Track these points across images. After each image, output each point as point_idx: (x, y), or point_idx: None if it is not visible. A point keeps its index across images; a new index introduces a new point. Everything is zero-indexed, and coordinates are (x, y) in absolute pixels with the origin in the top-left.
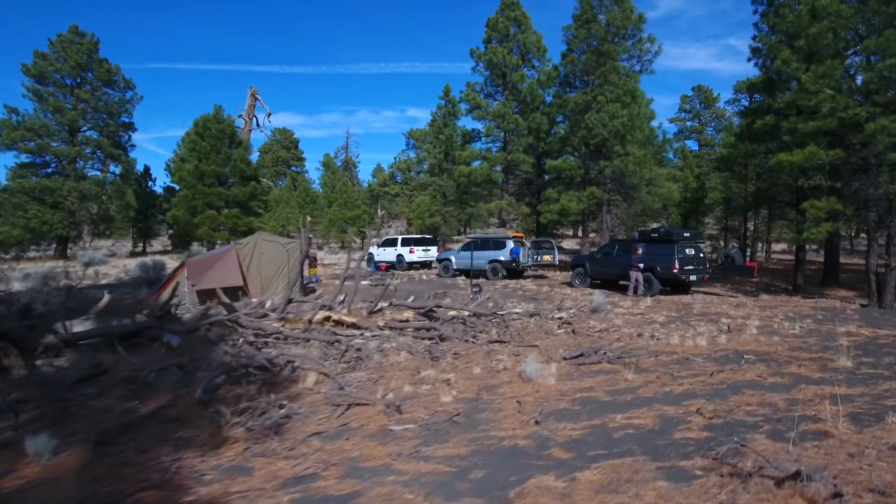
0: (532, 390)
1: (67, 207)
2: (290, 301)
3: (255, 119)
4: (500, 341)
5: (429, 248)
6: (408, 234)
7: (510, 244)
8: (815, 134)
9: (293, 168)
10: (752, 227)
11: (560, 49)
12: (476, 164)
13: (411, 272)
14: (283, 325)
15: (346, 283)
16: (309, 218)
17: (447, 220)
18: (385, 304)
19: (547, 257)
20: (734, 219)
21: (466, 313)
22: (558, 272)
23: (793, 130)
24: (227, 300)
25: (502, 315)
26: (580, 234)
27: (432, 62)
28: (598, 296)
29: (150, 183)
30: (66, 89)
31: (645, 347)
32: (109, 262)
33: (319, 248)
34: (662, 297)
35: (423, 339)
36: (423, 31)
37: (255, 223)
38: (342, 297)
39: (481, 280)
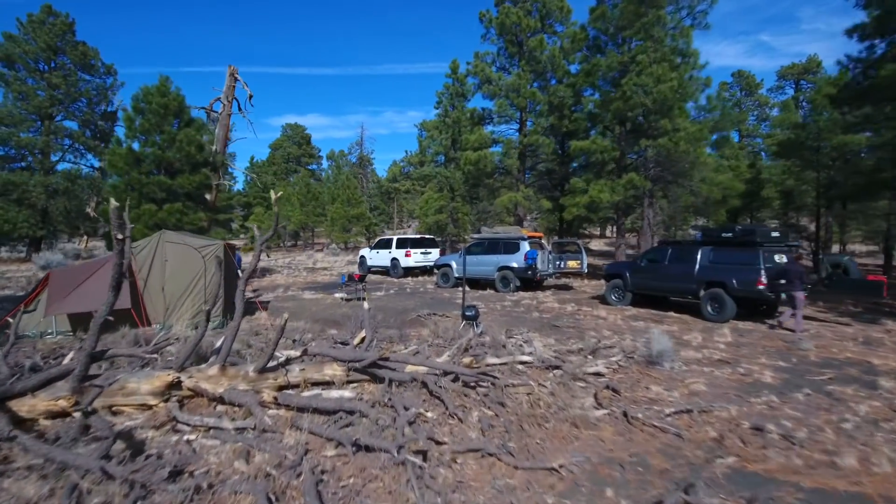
0: None
1: (34, 204)
2: (95, 356)
3: (235, 102)
4: (482, 452)
5: (429, 250)
6: (418, 233)
7: (525, 247)
8: None
9: (311, 167)
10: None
11: (588, 9)
12: (492, 149)
13: (407, 279)
14: (70, 404)
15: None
16: (114, 203)
17: (455, 217)
18: (295, 354)
19: (572, 263)
20: (796, 216)
21: (437, 372)
22: (586, 281)
23: None
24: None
25: (496, 375)
26: (610, 233)
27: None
28: (658, 334)
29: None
30: (37, 74)
31: (787, 473)
32: (69, 265)
33: (320, 249)
34: (739, 325)
35: (327, 438)
36: (447, 31)
37: (205, 220)
38: (219, 342)
39: (487, 294)
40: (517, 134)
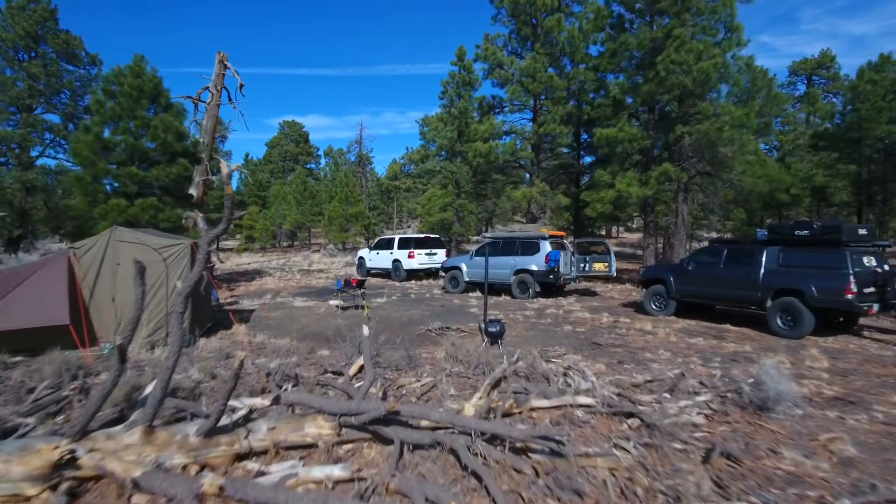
0: None
1: (11, 201)
2: None
3: (224, 91)
4: None
5: (435, 251)
6: (420, 233)
7: (546, 247)
8: None
9: (309, 166)
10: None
11: None
12: (503, 140)
13: (410, 283)
14: None
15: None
16: None
17: (461, 215)
18: (262, 404)
19: (599, 266)
20: (827, 214)
21: (470, 431)
22: (610, 285)
23: None
24: None
25: (562, 439)
26: (615, 233)
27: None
28: (771, 367)
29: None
30: (16, 63)
31: None
32: None
33: (317, 249)
34: (822, 342)
35: None
36: (449, 31)
37: (186, 217)
38: (148, 390)
39: (503, 301)
40: (531, 124)
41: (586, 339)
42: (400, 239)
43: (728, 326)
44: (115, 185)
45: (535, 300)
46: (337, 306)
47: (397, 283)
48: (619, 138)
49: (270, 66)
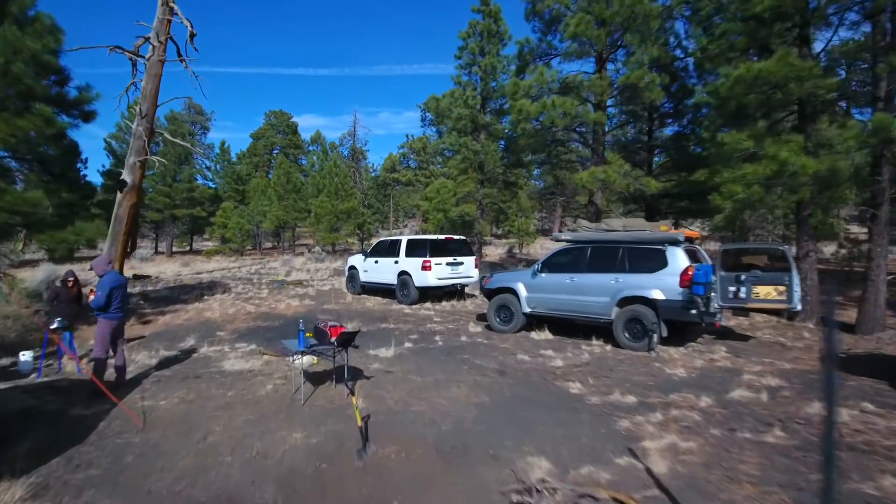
0: None
1: None
2: None
3: (170, 42)
4: None
5: (460, 259)
6: (423, 234)
7: (679, 258)
8: None
9: (300, 161)
10: None
11: None
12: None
13: (426, 306)
14: None
15: None
16: None
17: (485, 209)
18: None
19: (768, 291)
20: None
21: None
22: (746, 319)
23: None
24: None
25: None
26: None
27: (455, 62)
28: None
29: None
30: None
31: None
32: None
33: (301, 252)
34: None
35: None
36: (448, 31)
37: (45, 202)
38: None
39: (599, 351)
40: (600, 73)
41: None
42: (409, 241)
43: None
44: None
45: (664, 354)
46: (302, 372)
47: (407, 309)
48: (783, 77)
49: (266, 66)
